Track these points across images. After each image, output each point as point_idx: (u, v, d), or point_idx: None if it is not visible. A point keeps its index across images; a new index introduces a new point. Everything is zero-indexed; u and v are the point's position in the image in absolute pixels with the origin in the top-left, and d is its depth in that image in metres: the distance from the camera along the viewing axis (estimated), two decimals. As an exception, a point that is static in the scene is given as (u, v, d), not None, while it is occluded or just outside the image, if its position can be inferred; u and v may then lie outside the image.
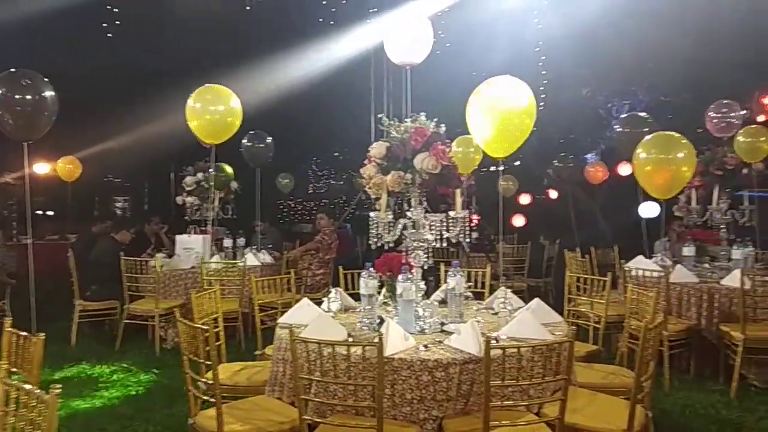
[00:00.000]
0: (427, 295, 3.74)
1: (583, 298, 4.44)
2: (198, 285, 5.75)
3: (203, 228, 6.58)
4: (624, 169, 10.23)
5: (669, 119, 10.22)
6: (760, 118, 12.51)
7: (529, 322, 2.96)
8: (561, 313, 4.21)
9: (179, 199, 6.46)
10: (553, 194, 12.32)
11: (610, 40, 9.28)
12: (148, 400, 4.39)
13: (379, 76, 8.38)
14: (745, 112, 7.03)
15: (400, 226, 3.28)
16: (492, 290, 4.09)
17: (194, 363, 2.80)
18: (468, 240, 3.33)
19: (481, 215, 9.73)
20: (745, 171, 5.35)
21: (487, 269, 4.59)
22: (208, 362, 2.64)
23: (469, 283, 4.07)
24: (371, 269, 3.27)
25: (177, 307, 5.61)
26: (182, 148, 6.32)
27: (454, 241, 3.30)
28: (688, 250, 5.35)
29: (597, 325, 4.04)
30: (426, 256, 3.31)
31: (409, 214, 3.29)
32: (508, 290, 3.66)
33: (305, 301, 3.47)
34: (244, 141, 7.33)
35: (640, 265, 5.27)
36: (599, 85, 10.73)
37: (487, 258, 8.12)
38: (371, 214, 3.27)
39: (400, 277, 3.11)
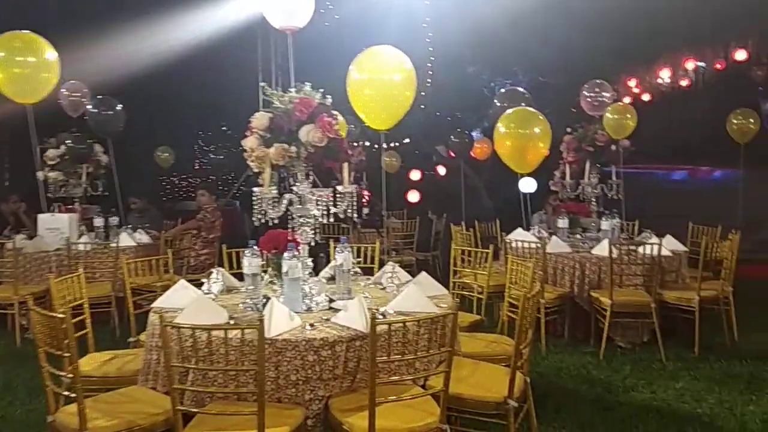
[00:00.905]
0: (316, 272, 3.66)
1: (467, 270, 4.55)
2: (65, 268, 5.25)
3: (70, 206, 6.00)
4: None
5: (547, 99, 10.81)
6: (626, 100, 13.61)
7: (415, 295, 2.97)
8: (447, 286, 4.33)
9: (40, 175, 5.81)
10: (442, 171, 12.67)
11: (494, 21, 9.56)
12: (5, 397, 3.95)
13: (267, 46, 8.04)
14: (612, 93, 7.54)
15: (285, 202, 3.14)
16: (382, 265, 4.08)
17: (55, 355, 2.51)
18: (357, 215, 3.26)
19: (372, 191, 9.78)
20: (613, 148, 5.73)
21: (376, 244, 4.57)
22: (67, 354, 2.37)
23: (359, 259, 4.04)
24: (255, 247, 3.12)
25: (40, 293, 5.08)
26: (45, 118, 5.65)
27: (342, 216, 3.22)
28: (562, 222, 5.67)
29: (481, 296, 4.16)
30: (313, 232, 3.20)
31: (295, 188, 3.17)
32: (396, 265, 3.66)
33: (182, 282, 3.24)
34: (89, 107, 6.51)
35: (519, 237, 5.51)
36: (483, 64, 11.08)
37: (377, 233, 8.18)
38: (254, 189, 3.11)
39: (285, 254, 2.99)
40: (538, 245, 5.01)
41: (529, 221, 6.84)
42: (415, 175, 12.39)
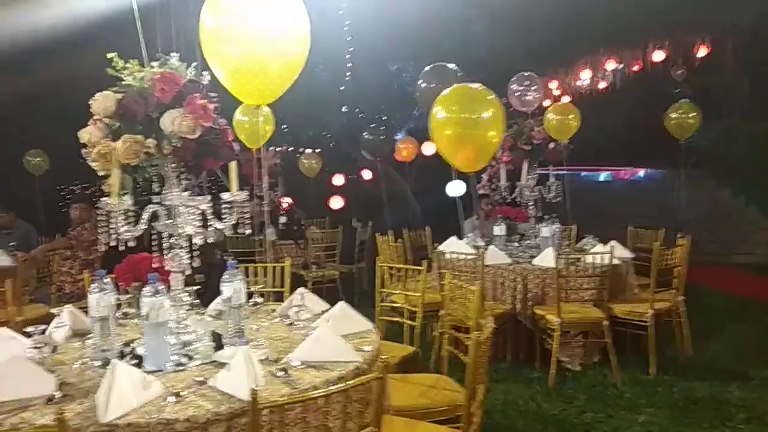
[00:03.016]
0: (204, 305, 2.85)
1: (395, 291, 3.83)
2: None
3: None
4: (428, 148, 10.18)
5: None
6: (546, 103, 13.48)
7: (328, 339, 2.20)
8: (374, 308, 3.63)
9: None
10: (367, 175, 11.97)
11: (414, 17, 9.04)
12: None
13: (165, 26, 6.95)
14: (541, 89, 7.09)
15: (146, 216, 2.30)
16: (294, 288, 3.28)
17: None
18: (249, 229, 2.46)
19: (292, 198, 8.93)
20: (552, 146, 5.21)
21: (286, 263, 3.77)
22: None
23: (260, 286, 3.21)
24: (105, 279, 2.26)
25: None
26: None
27: (229, 233, 2.42)
28: (499, 229, 5.10)
29: (414, 323, 3.45)
30: (189, 256, 2.38)
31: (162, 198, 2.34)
32: (306, 291, 2.89)
33: (3, 331, 2.32)
34: None
35: (452, 247, 4.89)
36: (406, 61, 10.53)
37: (296, 245, 7.34)
38: (103, 199, 2.25)
39: (145, 289, 2.15)
40: (475, 257, 4.37)
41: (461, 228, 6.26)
42: (338, 179, 11.62)
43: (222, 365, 2.09)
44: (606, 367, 4.06)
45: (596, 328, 4.00)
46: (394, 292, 3.78)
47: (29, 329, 2.18)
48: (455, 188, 10.08)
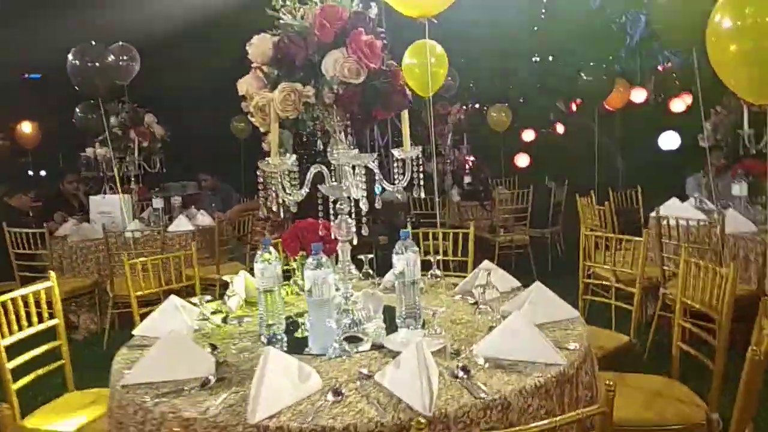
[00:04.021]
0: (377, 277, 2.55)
1: (606, 266, 3.16)
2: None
3: (127, 186, 5.32)
4: (638, 95, 8.83)
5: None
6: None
7: (522, 331, 1.72)
8: (573, 285, 3.05)
9: (89, 151, 5.17)
10: (560, 129, 10.95)
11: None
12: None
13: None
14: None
15: (310, 177, 2.01)
16: (479, 257, 2.85)
17: None
18: (421, 193, 2.06)
19: (476, 156, 8.44)
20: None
21: (470, 229, 3.32)
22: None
23: (438, 257, 2.80)
24: (270, 248, 2.03)
25: (84, 288, 4.47)
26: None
27: (399, 197, 2.05)
28: (739, 189, 4.07)
29: (628, 306, 2.79)
30: (357, 222, 2.06)
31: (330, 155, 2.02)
32: (493, 267, 2.42)
33: (171, 300, 2.23)
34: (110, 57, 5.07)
35: (674, 210, 4.01)
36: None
37: (482, 207, 6.87)
38: (262, 161, 2.00)
39: (308, 261, 1.88)
40: (709, 224, 3.49)
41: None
42: (528, 135, 10.81)
43: (392, 354, 1.75)
44: None
45: None
46: (603, 266, 3.13)
47: (194, 299, 2.06)
48: (668, 140, 8.68)
